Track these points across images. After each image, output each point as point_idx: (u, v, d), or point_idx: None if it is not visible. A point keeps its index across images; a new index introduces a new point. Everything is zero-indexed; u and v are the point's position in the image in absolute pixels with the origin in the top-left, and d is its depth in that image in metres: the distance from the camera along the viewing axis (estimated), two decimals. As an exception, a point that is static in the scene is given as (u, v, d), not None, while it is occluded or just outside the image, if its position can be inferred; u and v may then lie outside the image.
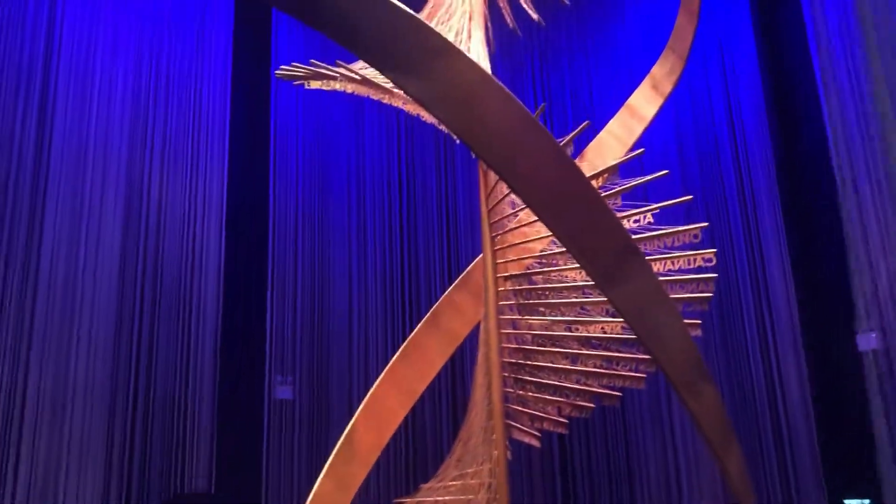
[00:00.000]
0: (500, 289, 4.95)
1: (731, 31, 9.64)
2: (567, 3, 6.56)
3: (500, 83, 3.83)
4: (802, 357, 8.45)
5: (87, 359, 7.40)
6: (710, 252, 4.41)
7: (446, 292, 6.30)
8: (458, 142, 4.37)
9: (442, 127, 5.15)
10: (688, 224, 4.30)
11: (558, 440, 9.55)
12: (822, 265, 8.44)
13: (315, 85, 5.23)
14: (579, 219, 3.73)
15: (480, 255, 6.34)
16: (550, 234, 4.35)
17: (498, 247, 4.88)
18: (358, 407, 5.59)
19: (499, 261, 4.95)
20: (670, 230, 4.37)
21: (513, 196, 4.72)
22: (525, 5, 6.48)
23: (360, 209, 10.82)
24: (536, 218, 4.27)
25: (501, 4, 6.02)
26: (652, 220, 4.35)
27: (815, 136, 8.50)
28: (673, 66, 6.02)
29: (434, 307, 6.24)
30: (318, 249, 10.25)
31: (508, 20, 5.96)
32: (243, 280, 9.21)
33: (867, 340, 7.88)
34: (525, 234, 4.93)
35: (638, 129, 6.11)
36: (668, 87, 6.04)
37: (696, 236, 4.38)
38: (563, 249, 4.30)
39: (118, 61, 8.08)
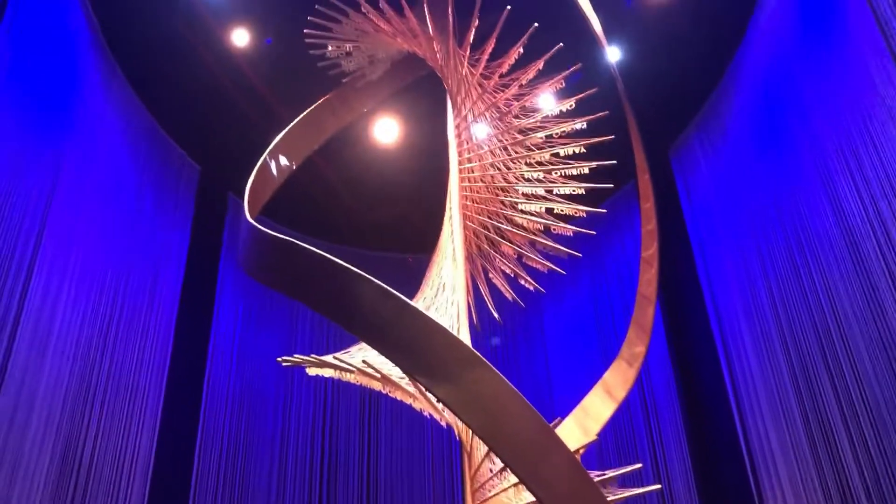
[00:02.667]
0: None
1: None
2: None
3: (522, 396, 4.27)
4: None
5: None
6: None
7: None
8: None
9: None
10: None
11: None
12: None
13: (314, 372, 5.50)
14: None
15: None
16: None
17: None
18: None
19: None
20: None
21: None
22: (490, 307, 7.28)
23: (282, 474, 10.65)
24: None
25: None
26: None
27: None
28: (626, 374, 6.71)
29: None
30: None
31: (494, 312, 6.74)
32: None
33: None
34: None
35: (594, 429, 6.62)
36: (621, 393, 6.67)
37: None
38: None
39: (76, 313, 8.12)
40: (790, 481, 8.05)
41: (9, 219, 7.46)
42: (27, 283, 7.49)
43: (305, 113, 8.09)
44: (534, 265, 7.18)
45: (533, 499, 5.02)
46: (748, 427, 8.78)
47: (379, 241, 12.86)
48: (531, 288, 7.34)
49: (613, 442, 10.33)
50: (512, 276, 7.20)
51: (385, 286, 4.46)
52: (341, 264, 4.55)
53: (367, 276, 4.50)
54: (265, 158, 6.85)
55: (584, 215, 6.91)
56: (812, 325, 7.98)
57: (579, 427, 6.67)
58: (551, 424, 4.55)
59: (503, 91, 6.82)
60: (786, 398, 8.24)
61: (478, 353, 4.31)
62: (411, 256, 12.64)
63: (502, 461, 4.38)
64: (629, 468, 5.10)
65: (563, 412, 6.67)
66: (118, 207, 9.25)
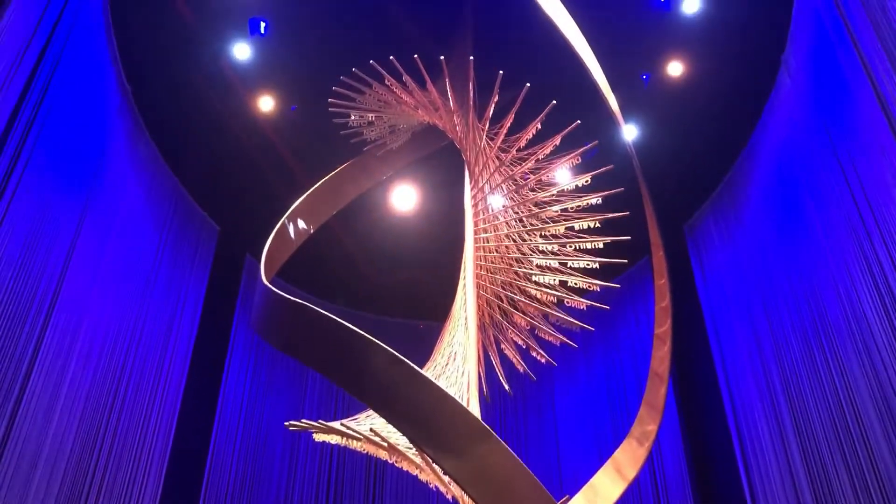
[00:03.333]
0: None
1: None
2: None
3: (530, 471, 4.20)
4: None
5: None
6: None
7: None
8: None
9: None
10: None
11: None
12: None
13: (320, 438, 5.45)
14: None
15: None
16: None
17: None
18: None
19: None
20: None
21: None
22: (501, 379, 7.23)
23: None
24: None
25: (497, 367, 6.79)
26: None
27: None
28: (636, 453, 6.60)
29: None
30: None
31: (504, 383, 6.69)
32: None
33: None
34: None
35: (603, 509, 6.46)
36: (631, 472, 6.55)
37: None
38: None
39: (88, 366, 8.14)
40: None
41: (29, 271, 7.56)
42: (41, 339, 7.53)
43: (326, 178, 8.24)
44: (546, 337, 7.16)
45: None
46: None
47: (392, 307, 12.88)
48: (543, 360, 7.30)
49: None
50: (524, 347, 7.17)
51: (395, 353, 4.45)
52: (352, 329, 4.56)
53: (377, 341, 4.50)
54: (284, 221, 6.94)
55: (598, 289, 6.90)
56: (827, 408, 7.82)
57: (588, 508, 6.54)
58: (559, 502, 4.46)
59: (520, 164, 6.93)
60: (798, 482, 8.02)
61: (487, 426, 4.26)
62: (423, 324, 12.63)
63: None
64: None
65: (572, 489, 6.54)
66: (136, 263, 9.36)
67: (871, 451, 7.16)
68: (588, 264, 6.88)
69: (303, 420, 5.43)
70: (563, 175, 7.10)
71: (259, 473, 10.59)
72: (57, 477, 7.45)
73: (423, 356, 6.51)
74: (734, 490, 9.03)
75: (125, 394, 8.68)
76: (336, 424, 5.32)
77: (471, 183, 7.14)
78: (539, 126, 6.88)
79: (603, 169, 6.93)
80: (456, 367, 6.17)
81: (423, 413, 4.28)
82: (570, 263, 6.88)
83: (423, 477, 5.28)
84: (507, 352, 7.20)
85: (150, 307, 9.35)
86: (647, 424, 6.62)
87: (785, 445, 8.30)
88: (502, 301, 7.01)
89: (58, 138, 7.82)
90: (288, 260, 7.56)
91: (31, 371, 7.34)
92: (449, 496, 5.25)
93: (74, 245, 8.17)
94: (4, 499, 6.92)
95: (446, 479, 5.04)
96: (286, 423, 5.63)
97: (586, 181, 6.78)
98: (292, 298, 4.82)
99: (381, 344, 4.50)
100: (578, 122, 6.76)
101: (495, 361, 7.17)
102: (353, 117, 8.00)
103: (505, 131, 6.85)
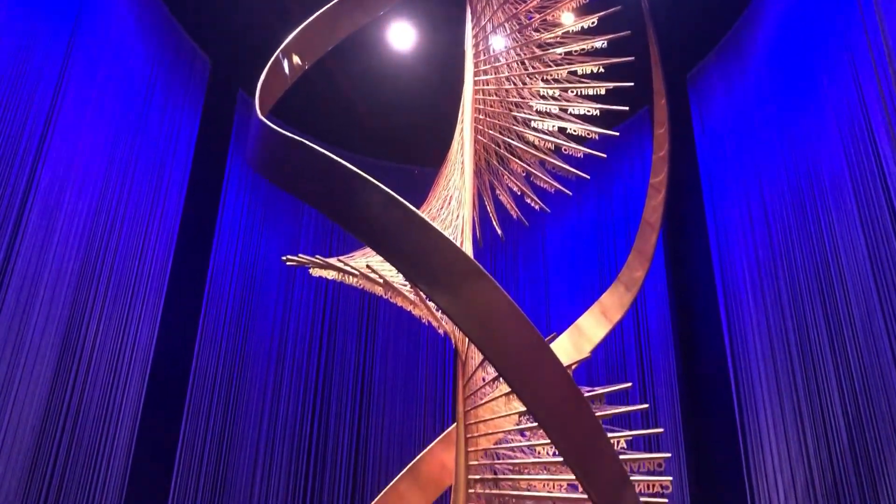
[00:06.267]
0: (469, 490, 5.23)
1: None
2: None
3: (520, 309, 4.34)
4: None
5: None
6: (667, 480, 4.92)
7: (392, 482, 6.45)
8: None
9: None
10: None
11: None
12: (716, 483, 9.13)
13: (317, 273, 5.57)
14: (582, 445, 4.12)
15: (428, 448, 6.65)
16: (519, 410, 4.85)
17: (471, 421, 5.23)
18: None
19: (469, 435, 5.26)
20: (638, 456, 4.88)
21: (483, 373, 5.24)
22: (495, 223, 7.32)
23: (277, 379, 10.94)
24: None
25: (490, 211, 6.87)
26: (625, 446, 4.86)
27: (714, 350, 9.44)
28: (622, 298, 6.81)
29: (379, 496, 6.38)
30: (231, 418, 10.14)
31: (497, 229, 6.80)
32: (156, 429, 8.93)
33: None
34: (493, 411, 5.33)
35: (587, 348, 6.76)
36: (616, 315, 6.79)
37: (660, 465, 4.89)
38: (533, 425, 4.78)
39: (82, 200, 8.16)
40: (773, 417, 8.24)
41: (17, 103, 7.42)
42: (34, 169, 7.51)
43: (320, 12, 7.89)
44: (541, 184, 7.17)
45: (522, 409, 5.20)
46: (738, 358, 8.91)
47: (387, 151, 12.80)
48: (537, 207, 7.35)
49: (604, 363, 10.54)
50: (519, 193, 7.20)
51: (393, 193, 4.47)
52: (349, 167, 4.54)
53: (375, 182, 4.50)
54: (278, 56, 6.72)
55: (597, 137, 6.84)
56: (814, 267, 8.00)
57: (573, 345, 6.82)
58: (546, 339, 4.64)
59: (525, 2, 6.65)
60: (781, 336, 8.33)
61: (480, 266, 4.35)
62: (418, 169, 12.62)
63: (496, 370, 4.48)
64: (618, 386, 5.24)
65: (559, 330, 6.79)
66: (127, 96, 9.16)
67: (850, 305, 7.41)
68: (588, 111, 6.76)
69: (300, 255, 5.53)
70: (569, 17, 6.84)
71: (255, 309, 10.92)
72: (57, 303, 7.67)
73: (418, 201, 6.53)
74: (714, 337, 9.38)
75: (120, 229, 8.76)
76: (333, 261, 5.44)
77: (472, 21, 6.88)
78: (546, -38, 6.55)
79: (610, 10, 6.67)
80: (451, 210, 6.22)
81: (419, 252, 4.35)
82: (570, 110, 6.76)
83: (416, 312, 5.47)
84: (501, 197, 7.23)
85: (143, 141, 9.25)
86: (635, 271, 6.79)
87: (771, 298, 8.54)
88: (499, 146, 6.96)
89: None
90: (281, 99, 7.40)
91: (26, 203, 7.39)
92: (441, 331, 5.46)
93: (63, 76, 7.97)
94: (9, 323, 7.16)
95: (439, 314, 5.23)
96: (283, 258, 5.74)
97: (592, 23, 6.54)
98: (290, 135, 4.77)
99: (379, 184, 4.51)
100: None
101: (490, 207, 7.22)
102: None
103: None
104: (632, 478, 4.53)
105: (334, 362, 11.47)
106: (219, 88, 10.87)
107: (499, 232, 7.39)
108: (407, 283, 5.31)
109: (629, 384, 5.46)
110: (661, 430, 5.42)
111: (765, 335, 8.53)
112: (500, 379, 5.19)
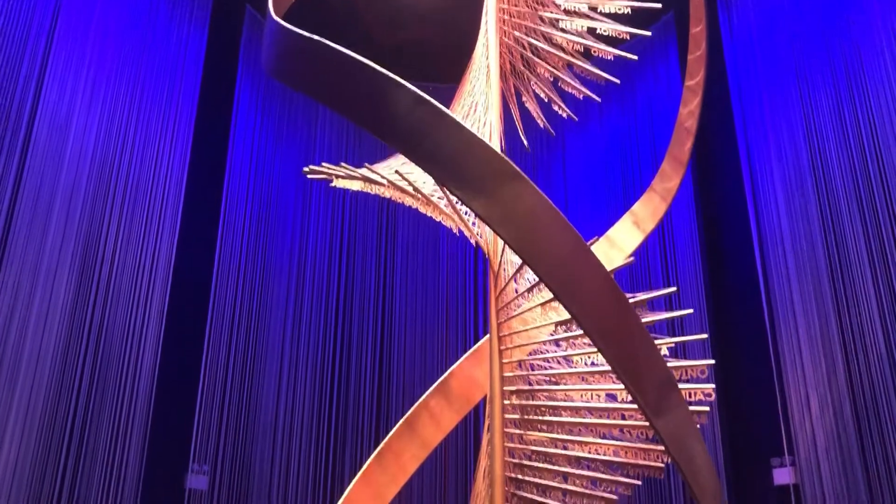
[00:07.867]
0: (505, 402, 5.12)
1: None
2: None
3: (560, 211, 4.11)
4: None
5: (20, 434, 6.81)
6: (709, 387, 4.78)
7: (422, 397, 6.38)
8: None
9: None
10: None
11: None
12: (745, 398, 9.04)
13: (340, 184, 5.34)
14: (628, 349, 3.96)
15: (457, 363, 6.54)
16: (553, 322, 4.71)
17: (504, 333, 5.09)
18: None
19: (503, 347, 5.13)
20: (680, 363, 4.73)
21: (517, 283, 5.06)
22: (520, 133, 7.01)
23: (298, 298, 10.83)
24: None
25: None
26: (667, 353, 4.70)
27: (745, 264, 9.19)
28: (656, 208, 6.55)
29: (409, 412, 6.31)
30: (254, 338, 10.08)
31: (523, 139, 6.51)
32: (177, 364, 8.91)
33: (783, 475, 8.38)
34: (527, 322, 5.17)
35: (618, 259, 6.54)
36: (650, 225, 6.53)
37: (703, 372, 4.75)
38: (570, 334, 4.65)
39: (92, 117, 7.93)
40: (807, 331, 8.06)
41: (17, 16, 7.12)
42: (40, 83, 7.26)
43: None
44: (568, 90, 6.82)
45: (558, 318, 5.04)
46: (770, 271, 8.68)
47: (399, 67, 12.31)
48: (564, 115, 7.02)
49: (627, 275, 10.35)
50: (546, 101, 6.86)
51: (421, 92, 4.21)
52: (375, 67, 4.29)
53: (401, 80, 4.24)
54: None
55: (628, 37, 6.44)
56: (852, 176, 7.70)
57: (603, 255, 6.61)
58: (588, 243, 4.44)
59: None
60: (813, 248, 8.11)
61: (516, 167, 4.10)
62: (433, 86, 12.17)
63: (537, 276, 4.29)
64: (663, 291, 5.06)
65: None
66: (132, 9, 8.82)
67: (893, 220, 7.16)
68: (619, 9, 6.35)
69: (324, 164, 5.28)
70: None
71: (273, 226, 10.74)
72: (73, 219, 7.52)
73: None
74: (745, 254, 9.13)
75: (133, 147, 8.56)
76: (360, 170, 5.20)
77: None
78: None
79: None
80: (477, 118, 5.93)
81: (451, 153, 4.11)
82: (599, 8, 6.36)
83: (447, 223, 5.25)
84: (527, 104, 6.90)
85: (151, 53, 8.94)
86: (669, 180, 6.50)
87: (803, 211, 8.27)
88: (525, 49, 6.59)
89: None
90: (289, 12, 7.02)
91: (34, 121, 7.18)
92: (472, 241, 5.25)
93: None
94: (23, 249, 7.03)
95: (471, 221, 5.01)
96: (305, 169, 5.50)
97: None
98: (314, 37, 4.47)
99: (406, 83, 4.24)
100: None
101: (515, 114, 6.90)
102: None
103: None
104: (676, 384, 4.38)
105: (355, 276, 11.33)
106: (226, 6, 10.45)
107: (524, 141, 7.09)
108: (436, 190, 5.08)
109: (674, 288, 5.28)
110: (705, 335, 5.31)
111: (799, 246, 8.29)
112: (534, 290, 5.03)
